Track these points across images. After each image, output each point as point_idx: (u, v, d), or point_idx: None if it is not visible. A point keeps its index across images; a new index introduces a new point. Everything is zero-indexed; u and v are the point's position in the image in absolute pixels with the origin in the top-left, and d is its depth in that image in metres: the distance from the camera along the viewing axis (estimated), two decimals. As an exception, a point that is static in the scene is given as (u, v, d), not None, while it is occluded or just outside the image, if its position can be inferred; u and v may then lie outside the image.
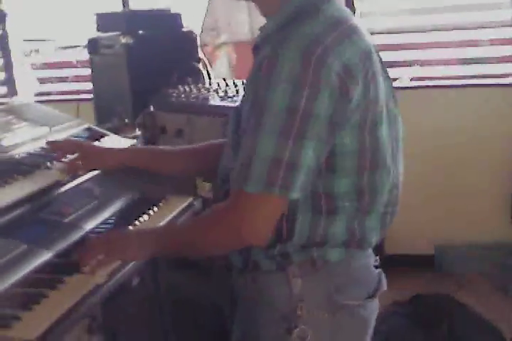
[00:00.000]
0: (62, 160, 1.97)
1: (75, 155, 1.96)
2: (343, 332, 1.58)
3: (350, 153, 1.48)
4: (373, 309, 1.64)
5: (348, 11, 1.56)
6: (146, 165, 1.94)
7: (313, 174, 1.44)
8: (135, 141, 2.39)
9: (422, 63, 4.03)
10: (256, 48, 1.56)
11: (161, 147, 2.00)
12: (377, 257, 1.69)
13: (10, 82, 4.57)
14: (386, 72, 1.58)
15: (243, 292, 1.65)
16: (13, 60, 4.69)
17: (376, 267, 1.67)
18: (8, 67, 4.67)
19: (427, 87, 4.03)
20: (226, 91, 2.66)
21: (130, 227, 1.92)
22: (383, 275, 1.67)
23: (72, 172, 1.95)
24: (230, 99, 2.57)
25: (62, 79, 4.70)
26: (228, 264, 1.68)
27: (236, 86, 2.72)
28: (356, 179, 1.51)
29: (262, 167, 1.40)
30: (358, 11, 3.86)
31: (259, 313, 1.60)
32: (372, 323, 1.65)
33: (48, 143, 2.01)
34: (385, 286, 1.66)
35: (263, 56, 1.45)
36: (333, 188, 1.50)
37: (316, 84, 1.38)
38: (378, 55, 1.56)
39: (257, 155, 1.41)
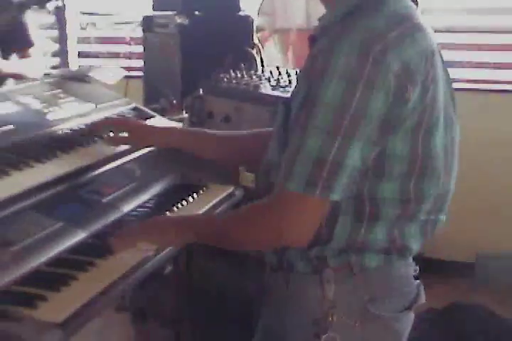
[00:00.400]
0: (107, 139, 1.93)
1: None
2: None
3: (400, 158, 1.41)
4: (408, 322, 1.58)
5: (413, 6, 1.48)
6: (191, 147, 1.90)
7: (357, 176, 1.38)
8: (181, 124, 2.35)
9: (477, 65, 3.90)
10: (313, 39, 1.50)
11: (207, 130, 1.94)
12: (417, 267, 1.62)
13: (63, 54, 4.56)
14: (447, 74, 1.51)
15: (274, 290, 1.60)
16: (68, 32, 4.69)
17: (416, 278, 1.60)
18: (62, 39, 4.67)
19: (485, 90, 3.90)
20: (278, 81, 2.59)
21: (168, 213, 1.87)
22: (422, 287, 1.60)
23: (116, 145, 1.91)
24: (281, 89, 2.50)
25: (114, 55, 4.69)
26: (262, 260, 1.63)
27: (289, 76, 2.65)
28: (403, 185, 1.44)
29: (305, 166, 1.35)
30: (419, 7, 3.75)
31: (288, 314, 1.55)
32: (405, 337, 1.59)
33: (92, 124, 1.99)
34: (423, 299, 1.59)
35: (319, 49, 1.39)
36: (378, 193, 1.43)
37: (372, 82, 1.32)
38: (441, 56, 1.48)
39: (301, 153, 1.35)
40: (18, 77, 3.17)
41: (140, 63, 3.45)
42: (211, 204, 2.01)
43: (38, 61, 3.31)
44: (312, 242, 1.44)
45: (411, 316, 1.58)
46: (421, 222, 1.51)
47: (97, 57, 4.74)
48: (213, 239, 1.56)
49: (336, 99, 1.32)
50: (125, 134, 1.91)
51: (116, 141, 1.92)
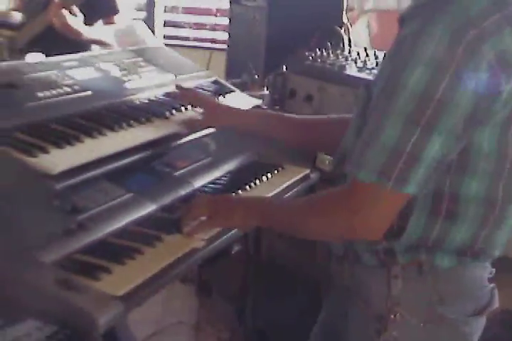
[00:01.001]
0: (182, 110, 1.89)
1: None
2: None
3: (487, 154, 1.31)
4: (478, 327, 1.48)
5: None
6: (268, 132, 1.84)
7: (435, 171, 1.28)
8: (261, 101, 2.29)
9: None
10: (402, 20, 1.37)
11: (286, 114, 1.86)
12: (493, 269, 1.52)
13: (149, 22, 4.56)
14: None
15: (338, 281, 1.54)
16: (155, 0, 4.70)
17: (490, 281, 1.50)
18: (149, 7, 4.68)
19: None
20: (365, 62, 2.50)
21: (240, 191, 1.82)
22: (496, 291, 1.50)
23: (191, 127, 1.86)
24: (368, 71, 2.42)
25: (200, 26, 4.66)
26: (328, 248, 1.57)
27: (377, 58, 2.55)
28: (489, 184, 1.34)
29: (380, 155, 1.26)
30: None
31: (351, 306, 1.49)
32: None
33: (177, 87, 1.95)
34: (496, 303, 1.49)
35: (407, 32, 1.29)
36: (460, 190, 1.34)
37: (462, 71, 1.21)
38: None
39: (376, 142, 1.27)
40: (101, 44, 3.17)
41: (225, 36, 3.40)
42: (285, 185, 1.95)
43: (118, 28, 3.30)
44: (383, 235, 1.36)
45: (482, 321, 1.49)
46: (509, 226, 1.41)
47: (183, 27, 4.72)
48: (280, 227, 1.51)
49: (419, 86, 1.23)
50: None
51: (195, 126, 1.87)
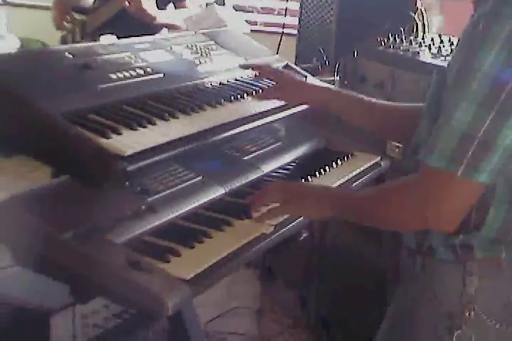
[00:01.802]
0: (254, 94, 1.87)
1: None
2: None
3: None
4: None
5: None
6: (341, 109, 1.79)
7: (510, 159, 1.23)
8: (332, 86, 2.26)
9: None
10: (476, 3, 1.33)
11: (362, 96, 1.81)
12: None
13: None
14: None
15: (410, 273, 1.49)
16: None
17: None
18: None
19: None
20: (440, 49, 2.44)
21: (309, 177, 1.80)
22: None
23: (267, 99, 1.84)
24: (442, 58, 2.35)
25: (269, 11, 4.63)
26: (399, 238, 1.53)
27: (451, 44, 2.49)
28: None
29: (451, 140, 1.22)
30: None
31: (421, 301, 1.44)
32: None
33: (252, 66, 1.93)
34: None
35: (482, 13, 1.24)
36: None
37: None
38: None
39: (448, 126, 1.23)
40: (172, 28, 3.18)
41: (295, 20, 3.36)
42: (355, 172, 1.93)
43: (193, 13, 3.31)
44: (459, 228, 1.32)
45: None
46: None
47: (251, 11, 4.70)
48: (352, 217, 1.49)
49: (494, 69, 1.19)
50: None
51: (268, 96, 1.85)
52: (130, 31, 2.23)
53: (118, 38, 2.11)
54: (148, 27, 3.02)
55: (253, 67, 1.96)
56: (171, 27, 3.18)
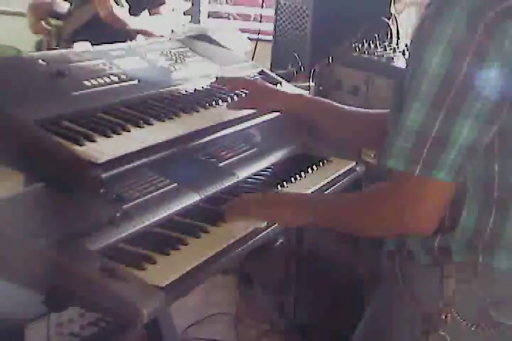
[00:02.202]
0: (228, 100, 1.87)
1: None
2: None
3: None
4: None
5: None
6: (314, 118, 1.79)
7: (471, 157, 1.24)
8: (307, 92, 2.27)
9: None
10: (428, 6, 1.33)
11: (334, 104, 1.81)
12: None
13: (195, 13, 4.56)
14: None
15: (388, 278, 1.50)
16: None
17: None
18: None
19: None
20: (413, 54, 2.45)
21: (285, 183, 1.81)
22: None
23: (239, 109, 1.83)
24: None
25: (245, 17, 4.64)
26: (375, 240, 1.55)
27: (425, 49, 2.50)
28: None
29: (407, 141, 1.24)
30: None
31: (398, 304, 1.44)
32: None
33: (218, 78, 1.92)
34: None
35: (427, 14, 1.26)
36: (510, 177, 1.30)
37: (483, 51, 1.18)
38: None
39: (403, 127, 1.24)
40: (146, 34, 3.17)
41: (270, 27, 3.38)
42: (331, 178, 1.93)
43: (167, 19, 3.30)
44: (435, 229, 1.32)
45: None
46: None
47: (227, 18, 4.71)
48: (331, 224, 1.48)
49: (441, 68, 1.20)
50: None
51: (240, 105, 1.84)
52: (104, 37, 2.22)
53: (92, 44, 2.10)
54: (121, 33, 3.01)
55: (222, 81, 1.93)
56: (144, 33, 3.17)
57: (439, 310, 1.36)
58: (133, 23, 3.08)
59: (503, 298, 1.35)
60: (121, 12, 3.00)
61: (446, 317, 1.36)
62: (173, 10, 3.30)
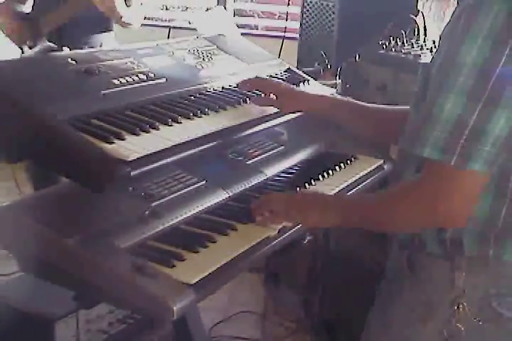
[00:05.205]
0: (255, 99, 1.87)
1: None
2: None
3: None
4: None
5: None
6: (338, 118, 1.80)
7: (504, 148, 1.24)
8: (334, 89, 2.26)
9: None
10: (461, 0, 1.33)
11: (357, 102, 1.81)
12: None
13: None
14: None
15: (397, 268, 1.50)
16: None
17: None
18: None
19: None
20: (441, 51, 2.44)
21: (313, 181, 1.80)
22: None
23: (263, 105, 1.83)
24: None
25: (270, 15, 4.64)
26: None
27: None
28: None
29: (442, 131, 1.23)
30: None
31: (405, 292, 1.46)
32: None
33: (241, 82, 1.91)
34: None
35: (463, 6, 1.25)
36: None
37: None
38: None
39: (437, 116, 1.24)
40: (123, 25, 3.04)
41: (297, 24, 3.37)
42: (358, 176, 1.93)
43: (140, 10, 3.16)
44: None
45: None
46: None
47: (252, 16, 4.71)
48: (360, 222, 1.47)
49: (479, 60, 1.20)
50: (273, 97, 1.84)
51: (263, 102, 1.84)
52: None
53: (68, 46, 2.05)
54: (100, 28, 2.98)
55: (247, 84, 1.91)
56: (125, 26, 3.05)
57: (451, 301, 1.37)
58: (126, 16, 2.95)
59: (507, 289, 1.36)
60: (120, 4, 2.87)
61: (458, 308, 1.37)
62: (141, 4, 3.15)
